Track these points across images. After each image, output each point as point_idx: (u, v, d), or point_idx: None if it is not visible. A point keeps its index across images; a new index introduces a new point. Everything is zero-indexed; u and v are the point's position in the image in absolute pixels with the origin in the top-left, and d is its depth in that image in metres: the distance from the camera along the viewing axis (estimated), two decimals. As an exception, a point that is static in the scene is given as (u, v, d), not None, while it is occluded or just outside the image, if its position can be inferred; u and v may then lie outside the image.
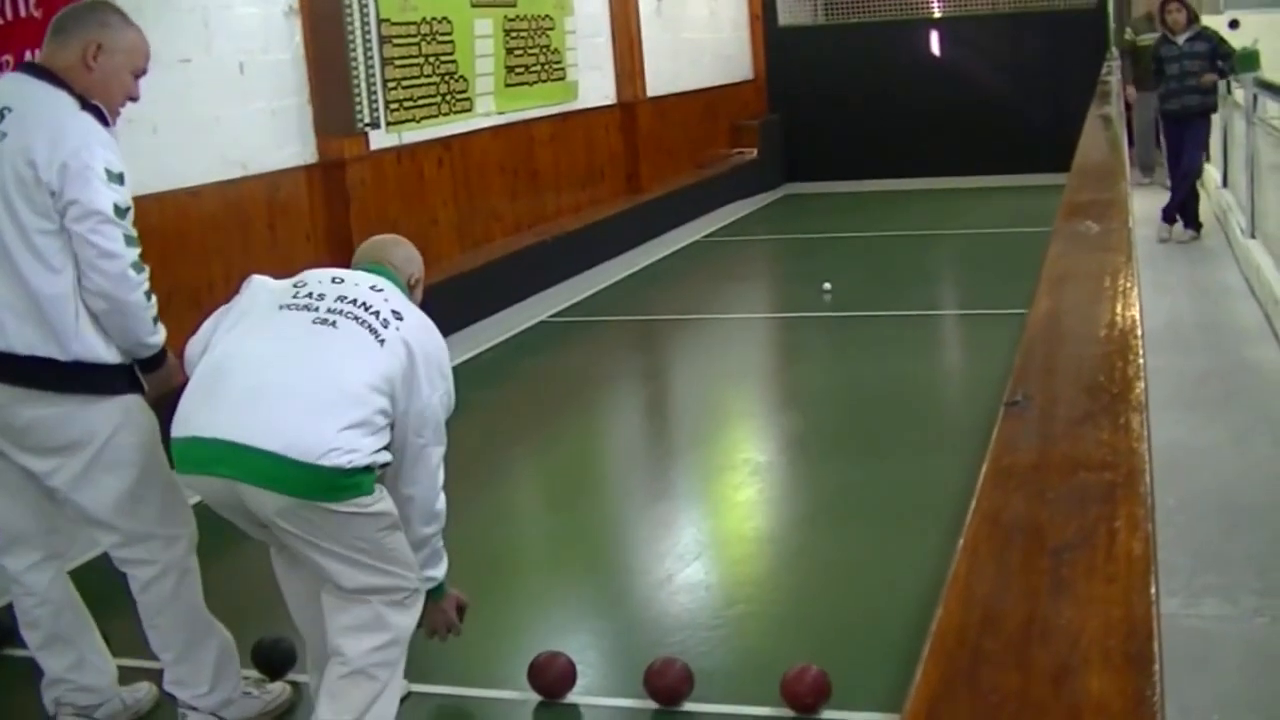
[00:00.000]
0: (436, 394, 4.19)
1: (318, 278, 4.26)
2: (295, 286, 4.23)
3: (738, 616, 5.59)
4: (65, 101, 4.33)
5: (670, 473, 7.64)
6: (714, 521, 6.90)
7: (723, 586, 5.95)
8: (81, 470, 4.45)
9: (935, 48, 18.67)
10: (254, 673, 5.01)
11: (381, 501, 4.06)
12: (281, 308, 4.16)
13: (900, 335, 10.51)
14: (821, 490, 7.09)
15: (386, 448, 4.05)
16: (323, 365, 3.99)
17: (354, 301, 4.12)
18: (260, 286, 4.32)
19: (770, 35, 19.55)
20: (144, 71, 4.58)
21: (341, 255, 9.87)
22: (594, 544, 6.58)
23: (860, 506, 6.72)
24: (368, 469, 3.95)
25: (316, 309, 4.11)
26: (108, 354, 4.38)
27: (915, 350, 10.14)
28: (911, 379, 9.23)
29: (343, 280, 4.23)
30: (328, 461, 3.84)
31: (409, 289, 4.43)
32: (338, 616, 4.13)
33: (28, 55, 6.28)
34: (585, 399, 9.44)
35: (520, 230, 13.18)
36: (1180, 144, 13.32)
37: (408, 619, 4.20)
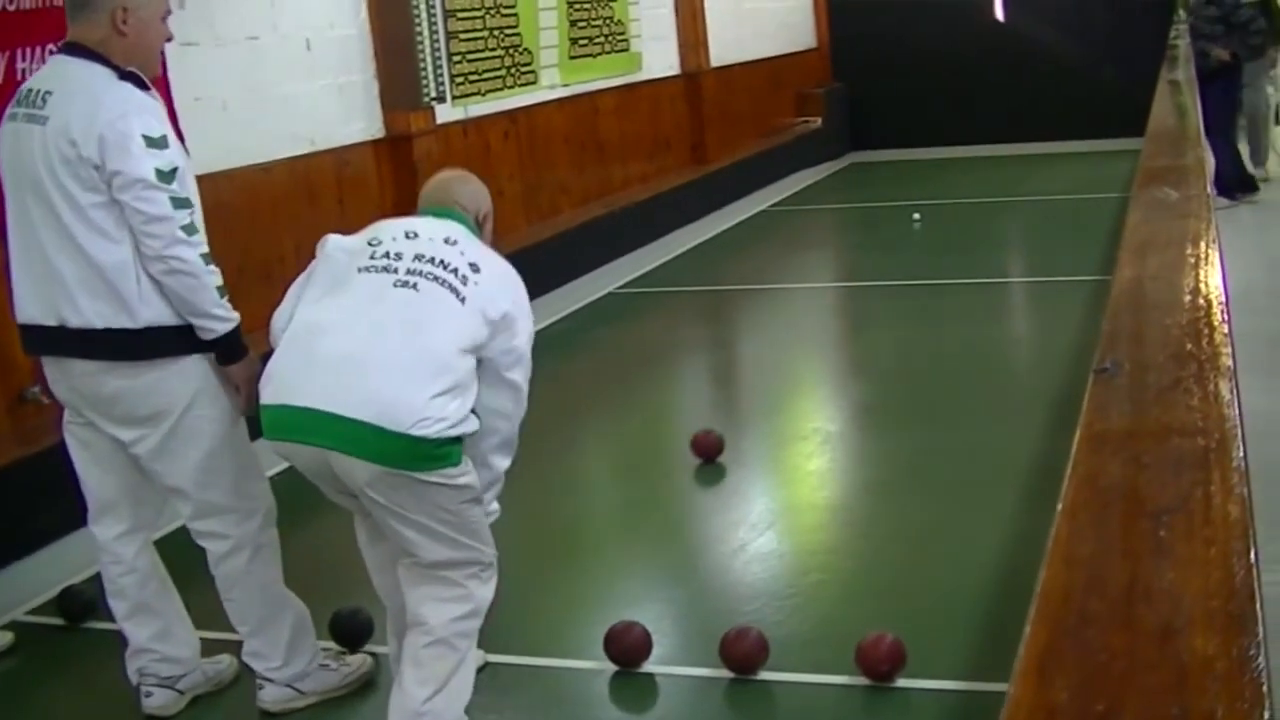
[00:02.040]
0: (521, 336, 4.21)
1: (391, 233, 4.23)
2: (371, 245, 4.20)
3: (811, 585, 5.59)
4: (101, 74, 4.37)
5: (741, 442, 7.63)
6: (786, 491, 6.90)
7: (796, 555, 5.95)
8: (161, 440, 4.51)
9: (999, 12, 18.52)
10: (334, 645, 5.05)
11: (467, 475, 4.06)
12: (361, 270, 4.14)
13: (968, 303, 10.45)
14: (893, 458, 7.07)
15: (475, 410, 4.05)
16: (409, 332, 3.98)
17: (431, 260, 4.10)
18: (335, 248, 4.28)
19: (833, 2, 19.45)
20: (170, 10, 4.60)
21: (410, 229, 9.92)
22: (666, 514, 6.59)
23: (932, 474, 6.71)
24: (456, 440, 3.97)
25: (395, 270, 4.09)
26: (176, 316, 4.41)
27: (984, 318, 10.10)
28: (980, 347, 9.20)
29: (416, 234, 4.20)
30: (418, 431, 3.85)
31: (479, 226, 4.42)
32: (419, 587, 4.16)
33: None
34: (655, 370, 9.44)
35: (587, 202, 13.17)
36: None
37: (486, 591, 4.22)
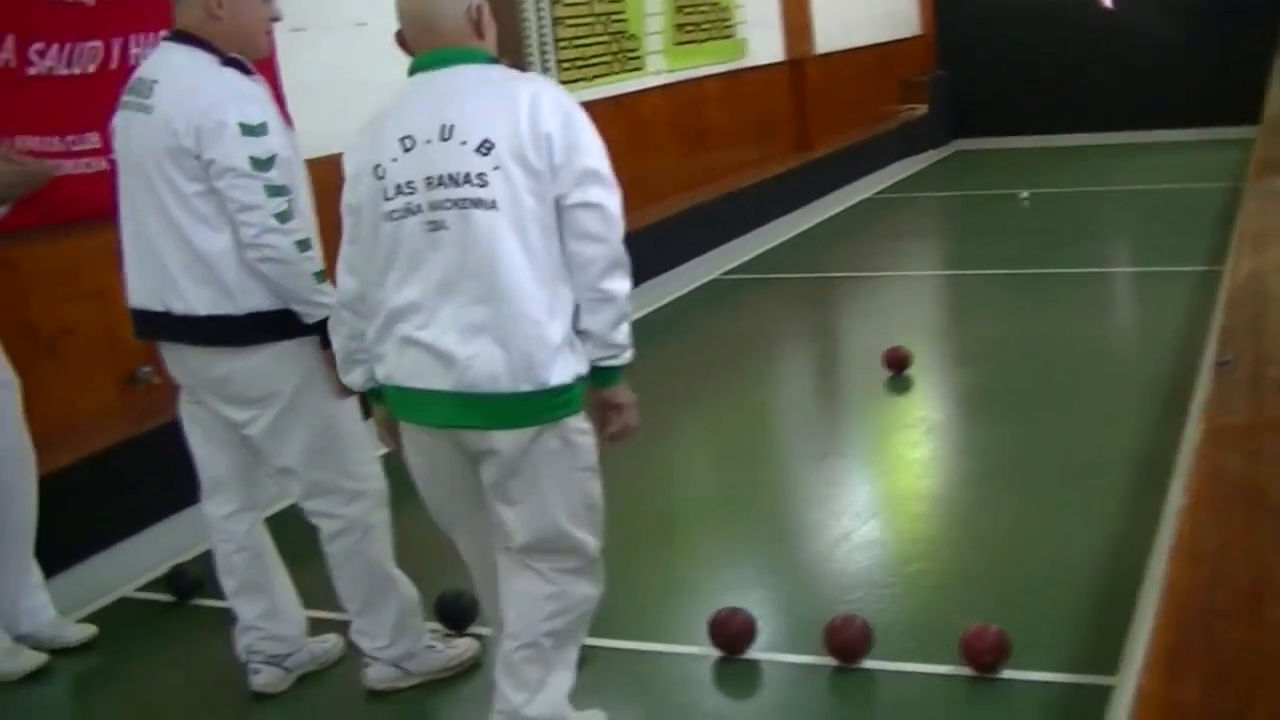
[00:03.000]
0: (573, 161, 3.74)
1: (389, 151, 3.80)
2: (378, 178, 3.80)
3: (915, 574, 5.57)
4: (204, 61, 4.41)
5: (844, 430, 7.63)
6: (889, 479, 6.87)
7: (899, 544, 5.93)
8: (272, 421, 4.57)
9: (1106, -1, 18.36)
10: (440, 627, 5.09)
11: (587, 434, 3.89)
12: (386, 219, 3.79)
13: (1073, 292, 10.35)
14: (996, 449, 7.03)
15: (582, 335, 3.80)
16: (472, 283, 3.72)
17: (441, 180, 3.72)
18: (351, 190, 3.92)
19: (939, -11, 19.35)
20: None
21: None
22: (769, 501, 6.58)
23: (1035, 465, 6.66)
24: (573, 384, 3.77)
25: (419, 209, 3.74)
26: (279, 301, 4.46)
27: (1089, 308, 9.99)
28: (1086, 337, 9.10)
29: (413, 141, 3.77)
30: (528, 385, 3.69)
31: (474, 26, 3.93)
32: (512, 581, 4.02)
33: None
34: (757, 356, 9.44)
35: (691, 188, 13.16)
36: None
37: (585, 589, 4.05)
